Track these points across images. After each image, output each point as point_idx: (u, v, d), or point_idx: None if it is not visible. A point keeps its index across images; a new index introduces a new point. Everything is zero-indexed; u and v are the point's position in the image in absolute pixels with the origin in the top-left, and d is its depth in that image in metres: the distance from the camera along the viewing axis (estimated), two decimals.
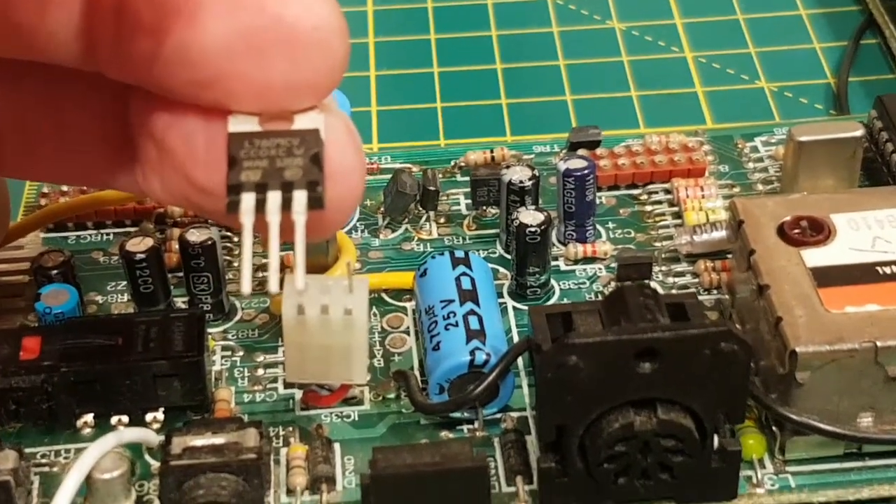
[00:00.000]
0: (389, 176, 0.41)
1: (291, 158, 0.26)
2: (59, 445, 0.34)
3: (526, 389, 0.35)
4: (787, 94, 0.48)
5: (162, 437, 0.32)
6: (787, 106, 0.47)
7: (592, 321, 0.31)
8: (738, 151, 0.43)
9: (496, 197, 0.40)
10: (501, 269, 0.39)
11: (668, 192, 0.41)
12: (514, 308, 0.37)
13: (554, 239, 0.39)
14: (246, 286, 0.26)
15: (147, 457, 0.33)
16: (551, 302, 0.37)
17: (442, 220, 0.41)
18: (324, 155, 0.26)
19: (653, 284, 0.32)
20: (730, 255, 0.37)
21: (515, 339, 0.36)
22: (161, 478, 0.31)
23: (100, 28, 0.26)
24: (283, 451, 0.33)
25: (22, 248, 0.39)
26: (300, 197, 0.26)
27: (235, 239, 0.40)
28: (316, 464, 0.33)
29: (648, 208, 0.41)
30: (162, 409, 0.34)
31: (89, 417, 0.34)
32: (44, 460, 0.33)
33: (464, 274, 0.36)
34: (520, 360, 0.35)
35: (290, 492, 0.32)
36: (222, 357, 0.36)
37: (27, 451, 0.33)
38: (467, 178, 0.41)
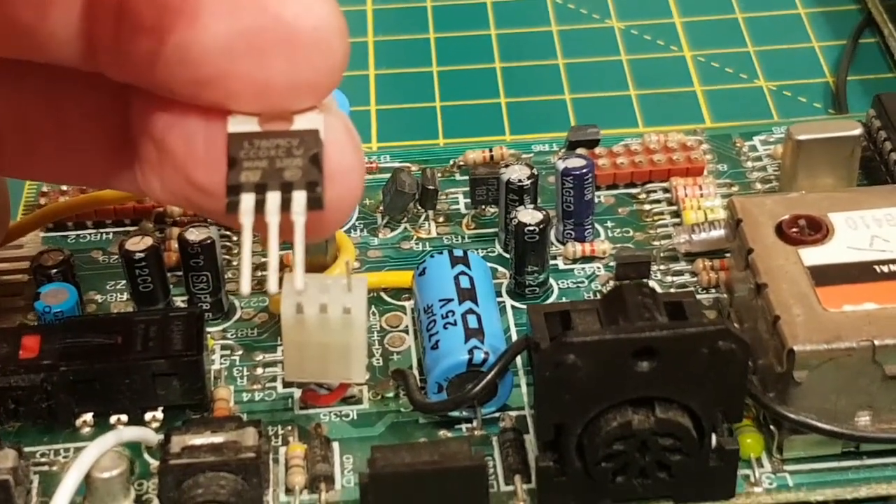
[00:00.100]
0: (388, 175, 0.41)
1: (291, 159, 0.26)
2: (59, 444, 0.34)
3: (524, 388, 0.35)
4: (786, 93, 0.48)
5: (161, 436, 0.32)
6: (785, 105, 0.47)
7: (591, 320, 0.31)
8: (737, 150, 0.43)
9: (495, 196, 0.40)
10: (500, 268, 0.39)
11: (666, 191, 0.41)
12: (513, 307, 0.37)
13: (553, 238, 0.39)
14: (245, 287, 0.26)
15: (146, 456, 0.33)
16: (550, 301, 0.38)
17: (441, 219, 0.41)
18: (323, 155, 0.26)
19: (651, 283, 0.32)
20: (728, 254, 0.37)
21: (514, 337, 0.36)
22: (160, 477, 0.31)
23: (100, 28, 0.26)
24: (282, 450, 0.33)
25: (21, 248, 0.39)
26: (299, 197, 0.26)
27: (234, 238, 0.40)
28: (315, 463, 0.33)
29: (647, 207, 0.41)
30: (161, 408, 0.34)
31: (88, 416, 0.34)
32: (43, 459, 0.33)
33: (462, 273, 0.36)
34: (518, 359, 0.35)
35: (288, 491, 0.32)
36: (221, 356, 0.36)
37: (26, 450, 0.33)
38: (466, 177, 0.41)
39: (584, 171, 0.38)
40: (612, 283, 0.37)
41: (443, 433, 0.34)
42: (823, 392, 0.32)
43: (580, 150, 0.41)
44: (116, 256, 0.38)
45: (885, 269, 0.33)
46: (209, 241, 0.36)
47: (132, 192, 0.37)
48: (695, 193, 0.40)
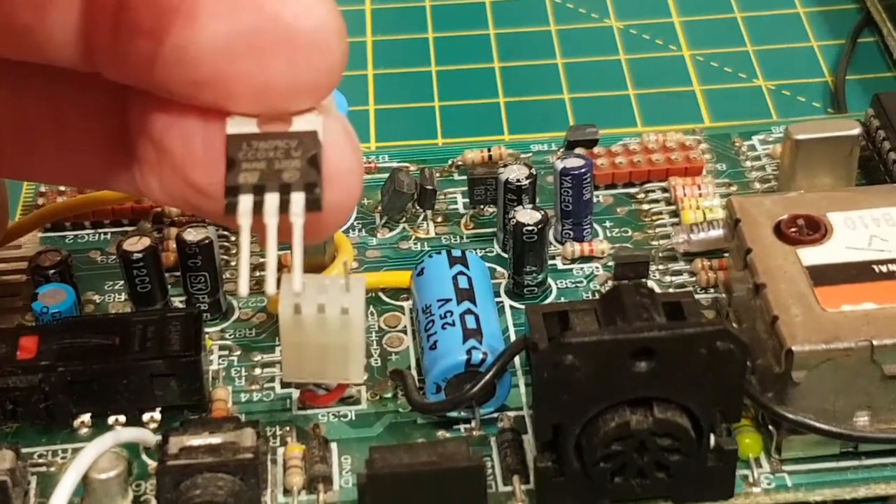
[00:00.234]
0: (387, 175, 0.41)
1: (289, 160, 0.26)
2: (57, 445, 0.34)
3: (523, 388, 0.35)
4: (785, 93, 0.48)
5: (159, 437, 0.32)
6: (784, 104, 0.47)
7: (589, 320, 0.31)
8: (736, 150, 0.43)
9: (493, 196, 0.40)
10: (499, 268, 0.39)
11: (665, 190, 0.41)
12: (511, 307, 0.37)
13: (551, 238, 0.39)
14: (243, 288, 0.26)
15: (144, 456, 0.33)
16: (548, 301, 0.38)
17: (439, 219, 0.41)
18: (322, 157, 0.26)
19: (650, 283, 0.32)
20: (727, 254, 0.37)
21: (512, 338, 0.36)
22: (158, 478, 0.31)
23: (99, 29, 0.26)
24: (280, 450, 0.33)
25: (20, 248, 0.39)
26: (298, 199, 0.26)
27: (233, 238, 0.40)
28: (313, 463, 0.33)
29: (645, 207, 0.41)
30: (159, 409, 0.34)
31: (86, 417, 0.34)
32: (41, 460, 0.33)
33: (461, 273, 0.36)
34: (516, 360, 0.35)
35: (286, 491, 0.32)
36: (219, 356, 0.36)
37: (24, 450, 0.33)
38: (465, 177, 0.41)
39: (583, 170, 0.38)
40: (610, 282, 0.37)
41: (441, 433, 0.34)
42: (822, 392, 0.32)
43: (579, 150, 0.41)
44: (114, 257, 0.38)
45: (883, 268, 0.33)
46: (207, 242, 0.36)
47: (131, 193, 0.36)
48: (693, 193, 0.40)
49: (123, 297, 0.38)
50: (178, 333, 0.34)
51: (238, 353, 0.36)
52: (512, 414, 0.34)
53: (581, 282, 0.38)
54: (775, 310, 0.32)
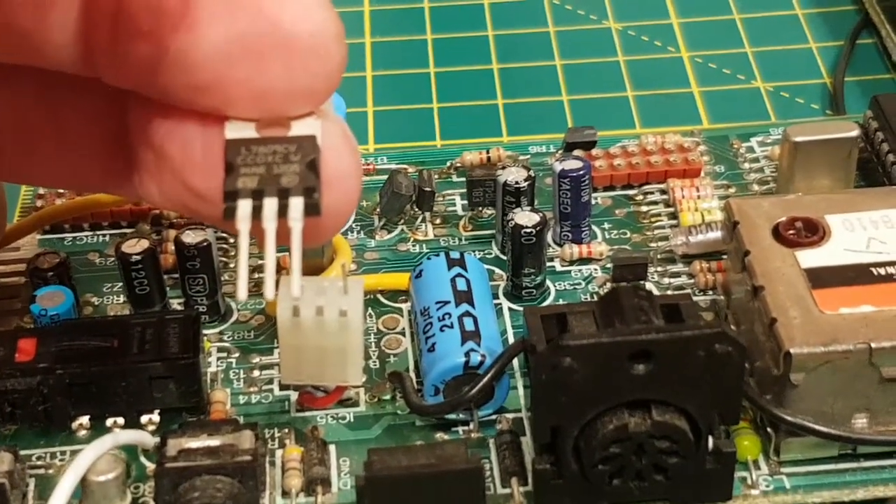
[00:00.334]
0: (385, 177, 0.41)
1: (288, 165, 0.26)
2: (55, 448, 0.34)
3: (521, 391, 0.35)
4: (784, 94, 0.48)
5: (157, 439, 0.32)
6: (783, 106, 0.47)
7: (587, 322, 0.31)
8: (734, 152, 0.43)
9: (492, 198, 0.40)
10: (497, 270, 0.39)
11: (663, 192, 0.41)
12: (510, 309, 0.37)
13: (549, 240, 0.39)
14: (242, 293, 0.26)
15: (142, 459, 0.33)
16: (547, 303, 0.38)
17: (438, 221, 0.41)
18: (320, 161, 0.26)
19: (648, 285, 0.32)
20: (725, 256, 0.37)
21: (511, 340, 0.36)
22: (156, 480, 0.31)
23: (97, 32, 0.26)
24: (279, 452, 0.33)
25: (18, 250, 0.39)
26: (297, 203, 0.26)
27: (231, 240, 0.40)
28: (311, 465, 0.33)
29: (644, 209, 0.41)
30: (157, 411, 0.34)
31: (85, 419, 0.34)
32: (39, 462, 0.33)
33: (459, 275, 0.36)
34: (515, 362, 0.35)
35: (285, 494, 0.32)
36: (218, 358, 0.36)
37: (22, 453, 0.33)
38: (463, 179, 0.41)
39: (581, 172, 0.38)
40: (609, 284, 0.37)
41: (439, 436, 0.34)
42: (820, 394, 0.32)
43: (577, 152, 0.41)
44: (113, 259, 0.38)
45: (881, 271, 0.33)
46: (205, 244, 0.36)
47: (129, 197, 0.37)
48: (692, 195, 0.40)
49: (122, 299, 0.38)
50: (177, 336, 0.34)
51: (236, 355, 0.36)
52: (510, 416, 0.34)
53: (579, 284, 0.38)
54: (773, 312, 0.32)
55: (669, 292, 0.37)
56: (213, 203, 0.26)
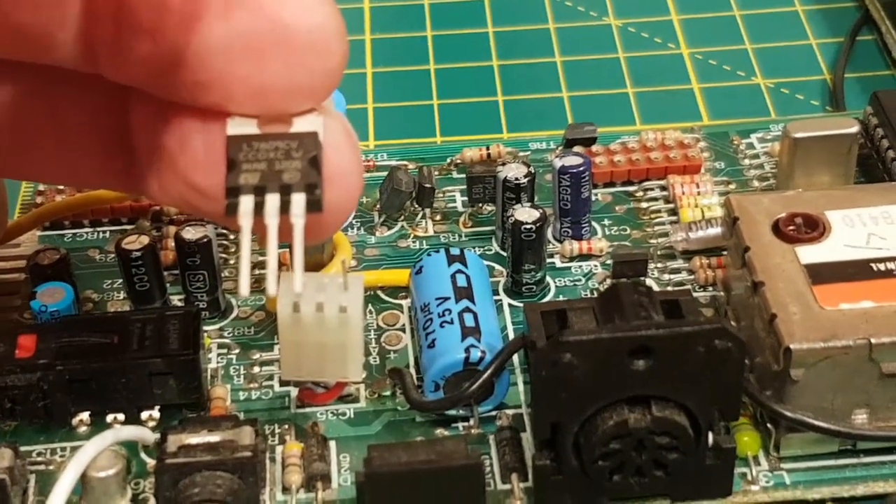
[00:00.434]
0: (385, 173, 0.41)
1: (290, 161, 0.26)
2: (55, 444, 0.34)
3: (521, 387, 0.35)
4: (784, 91, 0.48)
5: (157, 435, 0.32)
6: (783, 102, 0.47)
7: (587, 318, 0.31)
8: (734, 148, 0.43)
9: (492, 194, 0.40)
10: (497, 266, 0.39)
11: (663, 188, 0.41)
12: (510, 305, 0.37)
13: (550, 236, 0.39)
14: (244, 289, 0.26)
15: (143, 455, 0.33)
16: (547, 299, 0.38)
17: (438, 218, 0.41)
18: (322, 158, 0.26)
19: (648, 281, 0.32)
20: (725, 252, 0.37)
21: (511, 336, 0.36)
22: (156, 476, 0.31)
23: (99, 29, 0.26)
24: (279, 448, 0.33)
25: (18, 247, 0.39)
26: (298, 200, 0.26)
27: (232, 237, 0.40)
28: (311, 461, 0.33)
29: (644, 205, 0.41)
30: (158, 407, 0.34)
31: (85, 415, 0.34)
32: (40, 458, 0.33)
33: (459, 271, 0.36)
34: (515, 358, 0.35)
35: (285, 490, 0.32)
36: (218, 355, 0.36)
37: (23, 449, 0.33)
38: (463, 176, 0.41)
39: (581, 169, 0.38)
40: (609, 281, 0.37)
41: (439, 432, 0.34)
42: (820, 390, 0.32)
43: (577, 148, 0.41)
44: (113, 255, 0.38)
45: (881, 266, 0.33)
46: (206, 240, 0.36)
47: (130, 194, 0.37)
48: (692, 191, 0.40)
49: (122, 295, 0.38)
50: (177, 332, 0.34)
51: (237, 351, 0.36)
52: (510, 412, 0.34)
53: (579, 280, 0.38)
54: (773, 308, 0.32)
55: (669, 288, 0.37)
56: (214, 199, 0.26)
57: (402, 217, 0.41)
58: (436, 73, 0.49)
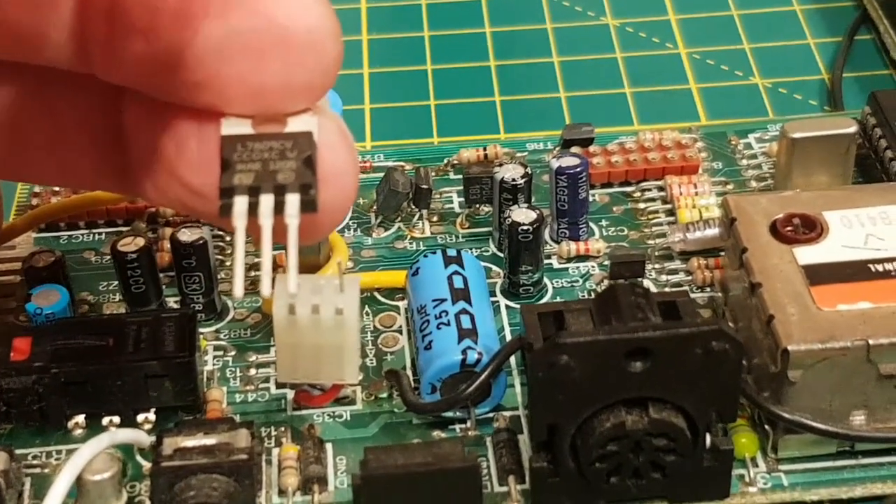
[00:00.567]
0: (382, 174, 0.41)
1: (284, 161, 0.26)
2: (51, 447, 0.34)
3: (518, 388, 0.35)
4: (782, 91, 0.48)
5: (153, 438, 0.32)
6: (781, 102, 0.47)
7: (584, 320, 0.31)
8: (732, 148, 0.43)
9: (489, 195, 0.40)
10: (494, 268, 0.39)
11: (661, 189, 0.41)
12: (507, 306, 0.37)
13: (547, 237, 0.39)
14: (238, 290, 0.26)
15: (138, 458, 0.33)
16: (544, 300, 0.37)
17: (435, 219, 0.41)
18: (317, 158, 0.26)
19: (646, 282, 0.32)
20: (723, 253, 0.37)
21: (508, 337, 0.36)
22: (152, 479, 0.30)
23: (93, 29, 0.26)
24: (275, 451, 0.33)
25: (14, 249, 0.39)
26: (293, 200, 0.26)
27: (227, 238, 0.40)
28: (308, 464, 0.32)
29: (641, 206, 0.41)
30: (153, 410, 0.34)
31: (80, 418, 0.34)
32: (35, 461, 0.33)
33: (456, 273, 0.35)
34: (512, 359, 0.35)
35: (281, 492, 0.32)
36: (214, 357, 0.36)
37: (18, 452, 0.33)
38: (460, 176, 0.41)
39: (579, 169, 0.38)
40: (606, 282, 0.37)
41: (436, 434, 0.34)
42: (818, 391, 0.32)
43: (574, 149, 0.41)
44: (109, 257, 0.38)
45: (879, 267, 0.33)
46: (201, 242, 0.36)
47: (125, 194, 0.37)
48: (689, 192, 0.40)
49: (118, 297, 0.38)
50: (173, 334, 0.34)
51: (233, 353, 0.36)
52: (507, 414, 0.34)
53: (577, 281, 0.38)
54: (771, 309, 0.32)
55: (667, 289, 0.37)
56: (208, 200, 0.26)
57: (399, 218, 0.41)
58: (433, 73, 0.49)
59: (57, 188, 0.41)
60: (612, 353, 0.29)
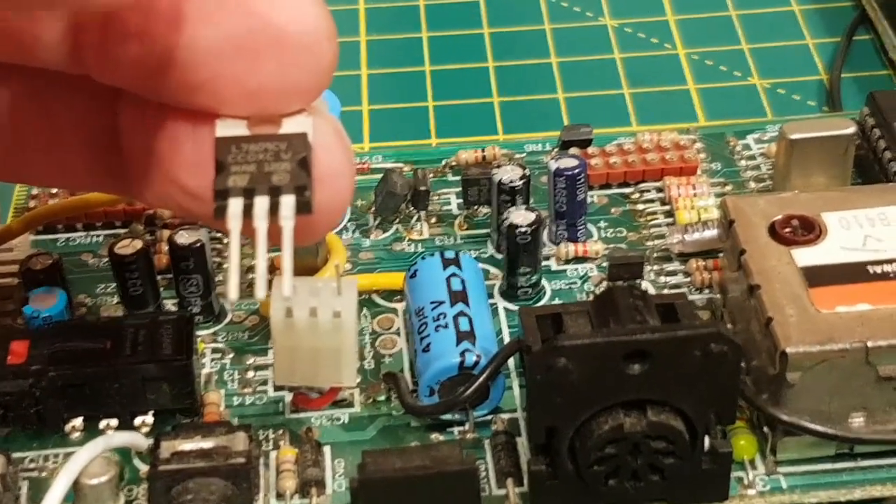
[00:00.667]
0: (380, 176, 0.40)
1: (279, 163, 0.26)
2: (48, 450, 0.34)
3: (516, 391, 0.35)
4: (780, 91, 0.48)
5: (151, 441, 0.32)
6: (779, 103, 0.47)
7: (582, 322, 0.31)
8: (731, 149, 0.42)
9: (487, 197, 0.40)
10: (492, 270, 0.38)
11: (659, 190, 0.41)
12: (505, 309, 0.37)
13: (545, 238, 0.39)
14: (233, 293, 0.26)
15: (136, 461, 0.33)
16: (542, 302, 0.37)
17: (433, 220, 0.40)
18: (312, 159, 0.26)
19: (644, 284, 0.32)
20: (721, 254, 0.37)
21: (506, 339, 0.36)
22: (150, 482, 0.31)
23: (87, 32, 0.26)
24: (273, 454, 0.33)
25: (11, 251, 0.39)
26: (288, 202, 0.26)
27: (225, 241, 0.39)
28: (305, 467, 0.32)
29: (640, 207, 0.40)
30: (151, 413, 0.34)
31: (78, 421, 0.34)
32: (32, 465, 0.33)
33: (454, 275, 0.35)
34: (510, 362, 0.35)
35: (279, 496, 0.32)
36: (212, 360, 0.36)
37: (15, 455, 0.33)
38: (458, 178, 0.41)
39: (577, 171, 0.38)
40: (605, 283, 0.37)
41: (435, 436, 0.34)
42: (817, 393, 0.31)
43: (573, 150, 0.41)
44: (106, 260, 0.38)
45: (878, 269, 0.33)
46: (199, 245, 0.36)
47: (121, 196, 0.36)
48: (688, 193, 0.40)
49: (115, 299, 0.38)
50: (170, 337, 0.34)
51: (230, 356, 0.36)
52: (506, 416, 0.34)
53: (575, 283, 0.38)
54: (770, 311, 0.32)
55: (665, 291, 0.37)
56: (203, 202, 0.26)
57: (397, 220, 0.40)
58: (431, 74, 0.49)
59: (54, 190, 0.41)
60: (611, 355, 0.29)
